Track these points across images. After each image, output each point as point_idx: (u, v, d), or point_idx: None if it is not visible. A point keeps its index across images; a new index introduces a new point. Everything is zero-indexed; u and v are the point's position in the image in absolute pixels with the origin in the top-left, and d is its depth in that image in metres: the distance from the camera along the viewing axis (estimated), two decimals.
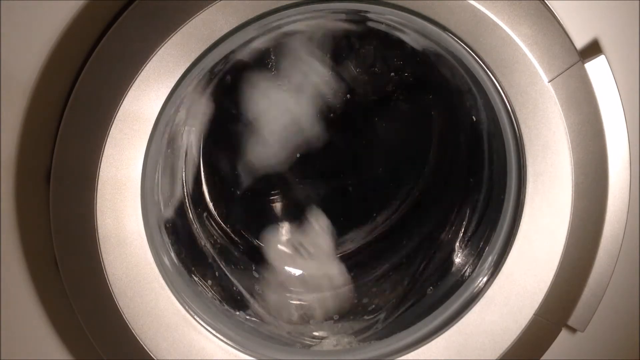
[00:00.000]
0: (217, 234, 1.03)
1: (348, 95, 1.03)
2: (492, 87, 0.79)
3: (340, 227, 1.08)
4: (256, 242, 1.06)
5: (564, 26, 0.77)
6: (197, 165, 1.02)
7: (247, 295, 0.97)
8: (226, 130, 1.01)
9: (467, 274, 0.90)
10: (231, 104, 1.00)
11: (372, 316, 0.97)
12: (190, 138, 0.99)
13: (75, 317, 0.77)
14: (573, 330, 0.84)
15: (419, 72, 1.00)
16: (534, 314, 0.82)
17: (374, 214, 1.08)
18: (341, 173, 1.07)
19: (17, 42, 0.71)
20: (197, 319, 0.80)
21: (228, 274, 0.98)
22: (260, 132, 1.02)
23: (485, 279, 0.85)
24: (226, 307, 0.92)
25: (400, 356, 0.84)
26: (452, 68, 0.88)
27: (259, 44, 0.92)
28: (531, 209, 0.81)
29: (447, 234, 0.98)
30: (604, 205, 0.80)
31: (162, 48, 0.71)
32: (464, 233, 0.96)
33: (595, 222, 0.80)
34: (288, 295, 1.02)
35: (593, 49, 0.78)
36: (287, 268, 1.05)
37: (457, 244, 0.96)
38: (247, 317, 0.93)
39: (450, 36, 0.76)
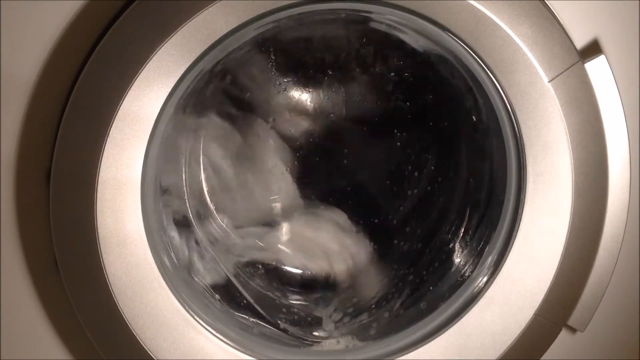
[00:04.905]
0: (217, 233, 1.03)
1: (348, 95, 1.03)
2: (492, 87, 0.79)
3: None
4: (256, 241, 1.06)
5: (564, 26, 0.77)
6: (197, 164, 1.02)
7: (247, 295, 0.97)
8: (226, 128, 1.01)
9: (467, 274, 0.90)
10: (230, 103, 1.00)
11: (372, 316, 0.97)
12: (191, 137, 0.99)
13: (75, 317, 0.77)
14: (573, 330, 0.84)
15: (419, 72, 1.00)
16: (534, 314, 0.82)
17: (374, 215, 1.07)
18: (340, 174, 1.07)
19: (17, 42, 0.71)
20: (197, 319, 0.80)
21: (228, 274, 0.98)
22: (258, 131, 1.02)
23: (485, 279, 0.85)
24: (226, 307, 0.92)
25: (400, 356, 0.84)
26: (452, 68, 0.88)
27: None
28: (531, 209, 0.81)
29: (447, 234, 0.98)
30: (604, 205, 0.80)
31: (162, 48, 0.71)
32: (464, 233, 0.96)
33: (595, 222, 0.80)
34: (289, 295, 1.02)
35: (593, 49, 0.78)
36: (287, 268, 1.05)
37: (457, 244, 0.96)
38: (247, 317, 0.93)
39: (450, 36, 0.76)
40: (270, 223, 1.06)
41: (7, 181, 0.75)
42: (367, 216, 1.07)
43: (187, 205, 0.99)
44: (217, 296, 0.92)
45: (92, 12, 0.72)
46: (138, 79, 0.71)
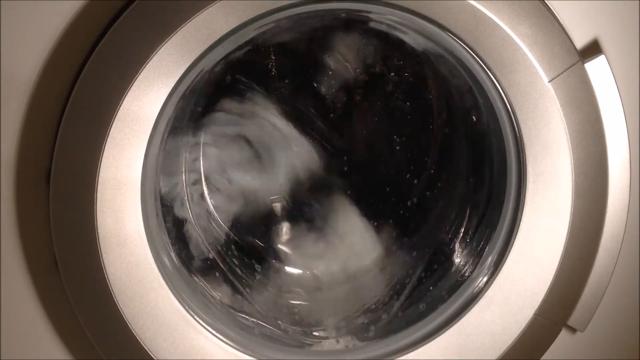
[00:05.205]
0: (218, 233, 1.03)
1: (348, 96, 1.03)
2: (492, 87, 0.79)
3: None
4: (257, 242, 1.06)
5: (564, 26, 0.77)
6: (198, 164, 1.02)
7: (247, 295, 0.97)
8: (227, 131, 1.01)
9: (467, 274, 0.90)
10: (231, 102, 1.00)
11: (372, 316, 0.97)
12: (191, 137, 0.99)
13: (75, 317, 0.77)
14: (573, 330, 0.84)
15: (419, 72, 1.00)
16: (534, 314, 0.82)
17: (374, 216, 1.07)
18: (340, 173, 1.07)
19: (17, 42, 0.71)
20: (197, 319, 0.80)
21: (228, 274, 0.98)
22: (256, 132, 1.02)
23: (485, 279, 0.85)
24: (226, 307, 0.92)
25: (400, 356, 0.84)
26: (452, 68, 0.88)
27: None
28: (531, 209, 0.81)
29: (447, 234, 0.98)
30: (604, 205, 0.80)
31: (162, 48, 0.71)
32: (464, 233, 0.96)
33: (595, 222, 0.80)
34: (289, 295, 1.02)
35: (593, 49, 0.78)
36: (287, 268, 1.05)
37: (457, 244, 0.96)
38: (248, 317, 0.92)
39: (450, 36, 0.76)
40: (270, 223, 1.06)
41: (7, 181, 0.75)
42: (367, 218, 1.07)
43: (188, 204, 0.99)
44: (217, 296, 0.92)
45: (92, 12, 0.72)
46: (138, 79, 0.71)
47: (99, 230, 0.74)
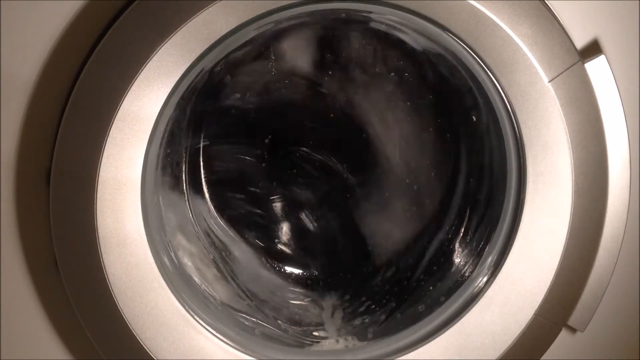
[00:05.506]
0: (217, 233, 1.03)
1: (348, 96, 1.03)
2: (492, 87, 0.79)
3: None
4: (257, 242, 1.06)
5: (564, 26, 0.77)
6: (197, 163, 1.02)
7: (247, 295, 0.97)
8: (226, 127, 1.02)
9: (467, 274, 0.90)
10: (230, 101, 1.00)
11: (372, 316, 0.97)
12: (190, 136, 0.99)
13: (75, 317, 0.77)
14: (573, 330, 0.84)
15: (419, 72, 1.00)
16: (534, 314, 0.82)
17: (373, 216, 1.07)
18: (340, 173, 1.07)
19: (17, 42, 0.71)
20: (197, 319, 0.80)
21: (227, 273, 0.98)
22: (255, 132, 1.02)
23: (485, 279, 0.85)
24: (226, 307, 0.92)
25: (400, 356, 0.84)
26: (452, 68, 0.88)
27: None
28: (531, 209, 0.81)
29: (447, 234, 0.98)
30: (604, 205, 0.80)
31: (162, 48, 0.71)
32: (464, 233, 0.96)
33: (595, 222, 0.80)
34: (288, 295, 1.02)
35: (593, 49, 0.79)
36: (287, 268, 1.05)
37: (457, 244, 0.96)
38: (248, 317, 0.93)
39: (450, 36, 0.76)
40: (270, 224, 1.06)
41: (7, 181, 0.75)
42: (366, 218, 1.07)
43: (188, 204, 0.99)
44: (217, 297, 0.92)
45: (92, 12, 0.72)
46: (138, 79, 0.71)
47: (99, 230, 0.74)
